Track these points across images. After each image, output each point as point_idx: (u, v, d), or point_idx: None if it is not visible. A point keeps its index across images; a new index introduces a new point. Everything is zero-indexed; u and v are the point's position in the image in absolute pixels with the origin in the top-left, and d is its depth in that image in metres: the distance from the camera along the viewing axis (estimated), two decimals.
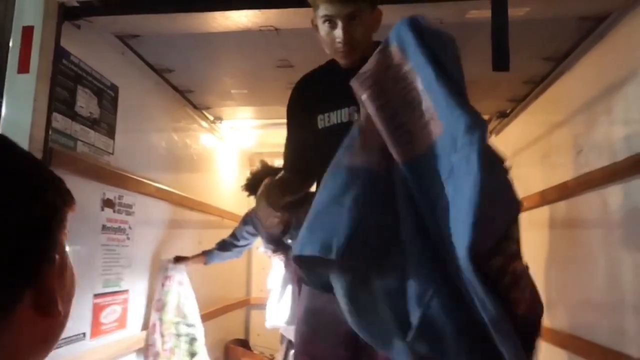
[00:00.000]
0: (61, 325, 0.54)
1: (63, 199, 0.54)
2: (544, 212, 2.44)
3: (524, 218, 2.70)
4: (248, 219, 2.76)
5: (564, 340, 2.19)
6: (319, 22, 1.35)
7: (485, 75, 2.32)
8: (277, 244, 2.69)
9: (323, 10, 1.31)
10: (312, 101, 1.47)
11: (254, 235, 2.77)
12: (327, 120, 1.41)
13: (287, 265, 2.72)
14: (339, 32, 1.31)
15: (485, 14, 1.61)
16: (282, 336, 2.93)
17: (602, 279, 1.94)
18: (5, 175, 0.47)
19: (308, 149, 1.47)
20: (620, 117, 1.80)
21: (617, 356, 1.78)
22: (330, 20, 1.31)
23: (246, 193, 2.62)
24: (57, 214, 0.52)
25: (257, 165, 2.74)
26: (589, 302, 2.04)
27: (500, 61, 1.39)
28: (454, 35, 1.24)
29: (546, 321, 2.37)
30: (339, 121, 1.37)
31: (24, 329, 0.47)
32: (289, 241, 2.61)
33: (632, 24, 1.71)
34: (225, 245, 2.77)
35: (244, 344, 3.59)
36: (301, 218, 2.57)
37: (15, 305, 0.47)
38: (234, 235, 2.78)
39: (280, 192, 1.50)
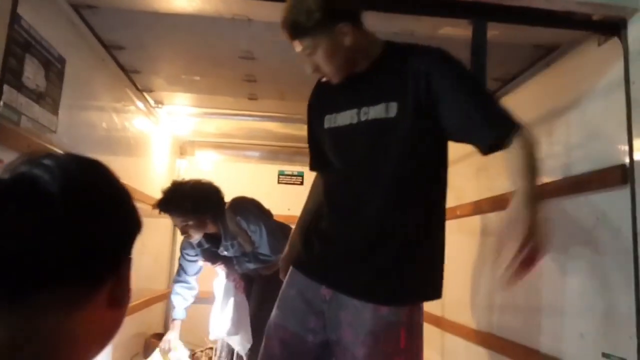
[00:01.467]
0: (122, 319, 0.57)
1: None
2: (475, 220, 2.61)
3: (456, 225, 2.87)
4: (183, 246, 2.71)
5: (487, 339, 2.37)
6: None
7: None
8: (213, 257, 2.64)
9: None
10: (324, 100, 1.48)
11: (195, 256, 2.70)
12: (333, 120, 1.41)
13: (228, 276, 2.66)
14: (307, 68, 1.35)
15: (459, 32, 1.70)
16: (222, 345, 2.88)
17: (529, 285, 2.12)
18: (118, 186, 0.59)
19: (319, 144, 1.51)
20: (559, 140, 1.97)
21: (531, 353, 1.96)
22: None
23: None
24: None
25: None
26: (511, 305, 2.21)
27: (479, 78, 1.47)
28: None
29: (472, 322, 2.55)
30: (344, 123, 1.38)
31: (95, 320, 0.51)
32: (225, 252, 2.56)
33: (579, 56, 1.88)
34: (179, 288, 2.74)
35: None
36: (230, 228, 2.55)
37: (96, 295, 0.52)
38: (180, 271, 2.74)
39: None
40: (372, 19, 1.77)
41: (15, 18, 1.45)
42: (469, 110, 1.25)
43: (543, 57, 2.03)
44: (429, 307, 3.08)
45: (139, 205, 2.25)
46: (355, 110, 1.35)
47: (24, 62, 1.57)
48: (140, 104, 2.83)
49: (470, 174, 2.73)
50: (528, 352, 2.00)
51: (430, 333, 3.09)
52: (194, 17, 1.79)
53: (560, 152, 1.95)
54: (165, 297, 3.82)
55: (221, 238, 2.48)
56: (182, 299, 2.75)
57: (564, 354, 1.79)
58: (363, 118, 1.33)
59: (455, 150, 2.92)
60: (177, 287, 2.75)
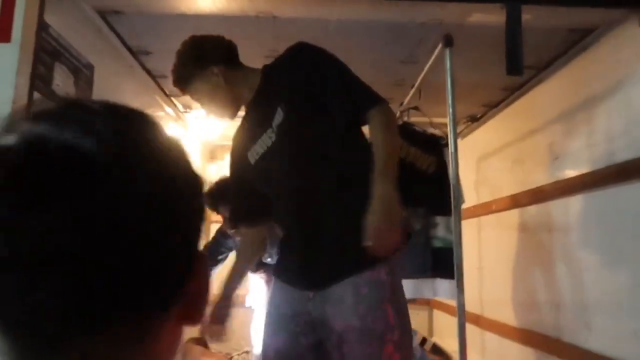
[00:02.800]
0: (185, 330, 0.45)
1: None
2: (513, 215, 2.52)
3: (494, 220, 2.79)
4: (222, 235, 2.67)
5: (530, 337, 2.28)
6: None
7: (466, 79, 2.39)
8: (257, 263, 2.60)
9: None
10: (240, 142, 1.53)
11: (225, 254, 2.67)
12: (255, 153, 1.44)
13: (268, 284, 2.63)
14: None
15: (491, 18, 1.64)
16: None
17: (567, 281, 2.03)
18: (187, 163, 0.41)
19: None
20: (600, 128, 1.88)
21: (578, 351, 1.87)
22: None
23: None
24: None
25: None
26: (555, 301, 2.12)
27: (514, 66, 1.41)
28: None
29: (513, 320, 2.46)
30: (263, 150, 1.41)
31: (166, 336, 0.40)
32: (268, 259, 2.52)
33: (618, 38, 1.79)
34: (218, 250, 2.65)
35: (202, 342, 3.45)
36: (276, 235, 2.52)
37: (170, 309, 0.39)
38: (211, 252, 2.64)
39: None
40: (395, 11, 1.74)
41: (43, 26, 1.46)
42: (340, 91, 1.32)
43: (578, 41, 1.94)
44: (468, 305, 3.02)
45: None
46: (263, 137, 1.40)
47: (53, 70, 1.59)
48: (169, 110, 2.85)
49: (506, 167, 2.64)
50: (574, 351, 1.91)
51: (469, 332, 3.00)
52: (218, 17, 1.78)
53: (601, 140, 1.86)
54: None
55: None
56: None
57: (617, 352, 1.69)
58: (271, 136, 1.37)
59: (489, 143, 2.86)
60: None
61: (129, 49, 2.11)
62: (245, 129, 1.52)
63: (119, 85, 2.17)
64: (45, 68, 1.54)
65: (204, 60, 1.42)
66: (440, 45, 1.69)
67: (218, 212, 2.46)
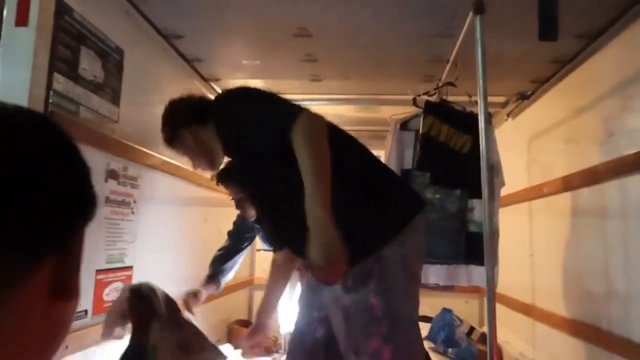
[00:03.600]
0: (72, 316, 0.46)
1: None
2: (565, 198, 2.34)
3: (544, 204, 2.61)
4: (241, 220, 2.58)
5: (583, 330, 2.11)
6: None
7: (508, 52, 2.23)
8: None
9: None
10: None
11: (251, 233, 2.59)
12: None
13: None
14: None
15: None
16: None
17: (623, 270, 1.85)
18: (72, 150, 0.47)
19: None
20: None
21: (634, 347, 1.70)
22: None
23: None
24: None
25: None
26: (610, 293, 1.94)
27: (548, 30, 1.28)
28: None
29: (565, 311, 2.29)
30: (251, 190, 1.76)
31: (35, 312, 0.39)
32: None
33: None
34: (228, 254, 2.53)
35: (247, 324, 3.51)
36: None
37: (33, 276, 0.39)
38: (233, 237, 2.58)
39: None
40: None
41: (64, 9, 1.49)
42: (248, 131, 1.30)
43: (632, 4, 1.74)
44: (517, 294, 2.86)
45: (213, 194, 2.29)
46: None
47: (79, 54, 1.62)
48: (208, 94, 2.87)
49: (558, 147, 2.45)
50: (627, 345, 1.75)
51: (520, 322, 2.86)
52: None
53: None
54: (248, 283, 3.91)
55: None
56: (232, 263, 2.56)
57: None
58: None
59: (540, 122, 2.67)
60: (230, 240, 2.57)
61: (160, 33, 2.13)
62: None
63: (153, 69, 2.20)
64: (70, 51, 1.57)
65: (176, 125, 1.58)
66: (470, 14, 1.56)
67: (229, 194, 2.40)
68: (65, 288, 0.42)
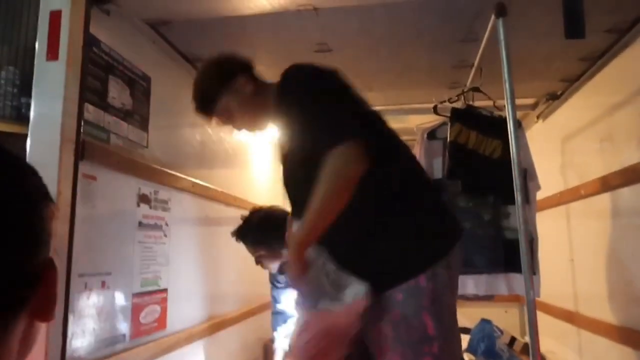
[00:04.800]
0: (41, 330, 0.53)
1: (48, 196, 0.52)
2: (604, 199, 2.26)
3: (582, 207, 2.52)
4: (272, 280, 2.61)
5: (632, 337, 2.01)
6: None
7: (535, 52, 2.18)
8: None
9: None
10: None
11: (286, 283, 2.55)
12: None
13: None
14: None
15: None
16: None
17: None
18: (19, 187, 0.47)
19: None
20: None
21: None
22: None
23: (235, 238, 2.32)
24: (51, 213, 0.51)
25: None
26: None
27: (574, 27, 1.24)
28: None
29: (612, 318, 2.20)
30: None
31: (19, 336, 0.46)
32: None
33: None
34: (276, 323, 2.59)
35: None
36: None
37: (20, 312, 0.46)
38: (273, 302, 2.61)
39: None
40: None
41: (91, 42, 1.53)
42: (298, 126, 1.30)
43: None
44: (558, 301, 2.76)
45: (244, 213, 2.18)
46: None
47: (107, 83, 1.67)
48: None
49: (593, 147, 2.38)
50: None
51: (564, 330, 2.75)
52: (261, 16, 1.78)
53: None
54: None
55: None
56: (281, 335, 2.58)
57: None
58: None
59: (573, 122, 2.59)
60: (275, 322, 2.60)
61: (185, 57, 2.17)
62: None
63: (179, 94, 2.22)
64: (100, 82, 1.62)
65: (229, 73, 1.43)
66: (492, 17, 1.53)
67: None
68: (46, 311, 0.49)
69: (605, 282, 2.28)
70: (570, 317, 2.64)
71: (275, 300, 2.59)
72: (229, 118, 1.45)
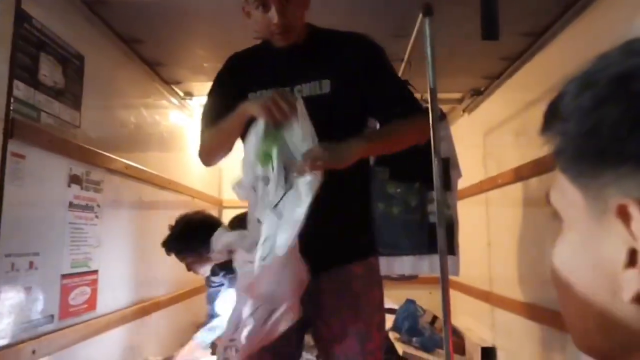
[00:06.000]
0: None
1: None
2: (518, 188, 2.47)
3: (499, 195, 2.73)
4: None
5: (539, 313, 2.23)
6: (252, 7, 1.33)
7: (461, 50, 2.33)
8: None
9: None
10: (246, 77, 1.47)
11: (220, 284, 2.61)
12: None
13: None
14: (273, 15, 1.30)
15: None
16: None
17: None
18: None
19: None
20: None
21: None
22: (264, 5, 1.30)
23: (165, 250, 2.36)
24: None
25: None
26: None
27: (490, 30, 1.37)
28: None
29: (521, 296, 2.42)
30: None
31: None
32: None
33: None
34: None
35: None
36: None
37: None
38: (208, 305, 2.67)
39: None
40: None
41: (24, 17, 1.49)
42: (391, 91, 1.42)
43: (573, 3, 1.87)
44: (476, 282, 2.98)
45: (182, 198, 2.22)
46: (287, 89, 1.34)
47: (39, 61, 1.63)
48: (171, 97, 2.88)
49: (510, 140, 2.58)
50: None
51: (479, 309, 2.98)
52: (200, 1, 1.79)
53: None
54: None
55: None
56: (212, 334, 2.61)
57: None
58: (298, 96, 1.30)
59: (494, 117, 2.79)
60: (209, 325, 2.62)
61: (121, 38, 2.14)
62: (253, 66, 1.46)
63: (114, 74, 2.20)
64: (30, 59, 1.58)
65: None
66: (420, 16, 1.64)
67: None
68: None
69: (517, 264, 2.49)
70: (486, 296, 2.86)
71: (211, 301, 2.63)
72: (287, 4, 1.32)
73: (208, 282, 2.66)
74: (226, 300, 2.49)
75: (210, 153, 1.52)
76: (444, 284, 1.49)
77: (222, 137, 1.43)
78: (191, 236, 2.25)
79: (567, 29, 2.01)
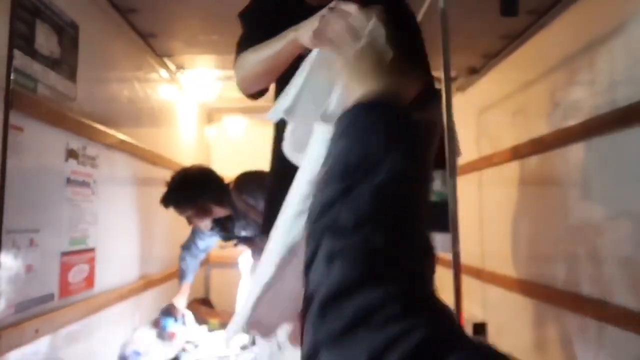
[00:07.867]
0: None
1: None
2: (514, 167, 2.49)
3: (494, 173, 2.76)
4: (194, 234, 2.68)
5: (530, 288, 2.28)
6: None
7: (464, 27, 2.31)
8: (232, 238, 2.59)
9: None
10: (278, 19, 1.29)
11: (210, 236, 2.64)
12: None
13: (254, 256, 2.60)
14: None
15: None
16: None
17: (567, 232, 2.01)
18: None
19: None
20: (603, 71, 1.82)
21: (576, 298, 1.87)
22: None
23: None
24: None
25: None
26: (556, 254, 2.11)
27: (509, 5, 1.35)
28: None
29: (513, 272, 2.46)
30: None
31: None
32: (242, 233, 2.51)
33: None
34: (188, 257, 2.70)
35: (206, 302, 3.51)
36: (238, 208, 2.48)
37: None
38: (189, 242, 2.70)
39: None
40: None
41: None
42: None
43: None
44: (469, 259, 3.02)
45: (170, 172, 2.17)
46: None
47: (35, 28, 1.54)
48: (161, 70, 2.79)
49: (507, 119, 2.59)
50: (570, 297, 1.92)
51: (470, 285, 3.02)
52: None
53: (604, 84, 1.80)
54: (204, 262, 3.89)
55: (232, 221, 2.43)
56: (191, 267, 2.73)
57: (608, 296, 1.69)
58: None
59: (490, 95, 2.80)
60: (187, 256, 2.70)
61: (115, 7, 2.05)
62: (287, 16, 1.27)
63: (107, 45, 2.11)
64: (27, 26, 1.49)
65: None
66: None
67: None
68: None
69: (509, 241, 2.53)
70: (477, 273, 2.91)
71: (194, 243, 2.68)
72: None
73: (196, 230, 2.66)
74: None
75: (258, 78, 1.30)
76: (456, 267, 1.50)
77: (274, 64, 1.20)
78: (189, 187, 2.26)
79: (570, 8, 2.00)
